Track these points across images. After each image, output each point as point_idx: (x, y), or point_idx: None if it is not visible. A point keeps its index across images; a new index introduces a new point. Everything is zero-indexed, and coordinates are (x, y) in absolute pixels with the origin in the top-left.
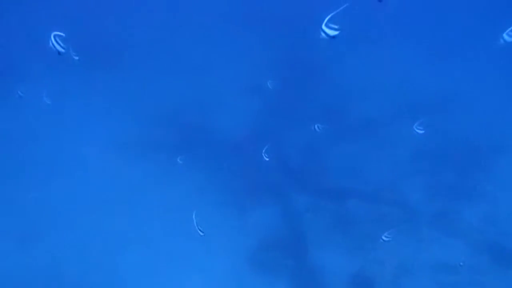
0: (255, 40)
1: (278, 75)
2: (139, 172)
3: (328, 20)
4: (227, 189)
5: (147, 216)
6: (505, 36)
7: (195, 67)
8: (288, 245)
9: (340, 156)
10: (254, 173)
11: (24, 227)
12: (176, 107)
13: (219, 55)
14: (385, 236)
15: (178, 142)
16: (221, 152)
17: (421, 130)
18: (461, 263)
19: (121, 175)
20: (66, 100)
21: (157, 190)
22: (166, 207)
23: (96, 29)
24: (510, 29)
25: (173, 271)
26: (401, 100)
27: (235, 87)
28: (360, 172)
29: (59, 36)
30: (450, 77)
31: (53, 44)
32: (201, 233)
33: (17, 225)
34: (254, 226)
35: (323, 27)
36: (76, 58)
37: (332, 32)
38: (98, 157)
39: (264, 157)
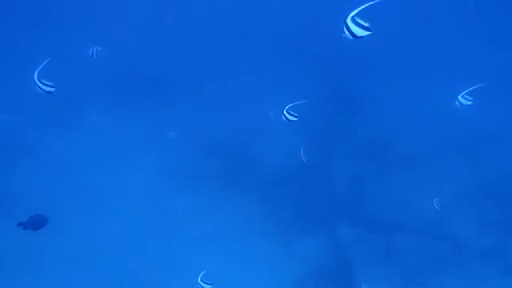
0: (304, 75)
1: (326, 109)
2: (186, 201)
3: (356, 15)
4: (274, 218)
5: (193, 243)
6: (460, 99)
7: (245, 100)
8: (335, 275)
9: (386, 189)
10: (301, 203)
11: (78, 250)
12: (225, 138)
13: (268, 88)
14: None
15: (226, 173)
16: (269, 183)
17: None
18: None
19: (169, 203)
20: (119, 130)
21: (203, 218)
22: (212, 236)
23: (148, 63)
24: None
25: None
26: (446, 135)
27: (285, 121)
28: (407, 205)
29: (41, 78)
30: (496, 114)
31: (39, 87)
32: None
33: (72, 248)
34: (301, 255)
35: (348, 21)
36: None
37: (359, 32)
38: (147, 185)
39: (303, 157)
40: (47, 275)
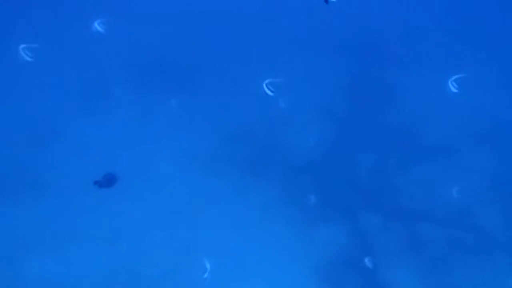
0: (329, 65)
1: (350, 99)
2: (210, 186)
3: None
4: (297, 205)
5: (214, 229)
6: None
7: (269, 88)
8: (357, 262)
9: (410, 178)
10: (324, 191)
11: (106, 230)
12: (251, 126)
13: (294, 78)
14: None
15: (250, 160)
16: (293, 170)
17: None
18: None
19: (193, 187)
20: (149, 117)
21: (226, 204)
22: (234, 221)
23: (176, 52)
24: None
25: (241, 283)
26: (473, 126)
27: (309, 110)
28: (431, 195)
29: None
30: None
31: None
32: None
33: (100, 228)
34: (323, 242)
35: None
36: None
37: None
38: (173, 170)
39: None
40: (74, 253)
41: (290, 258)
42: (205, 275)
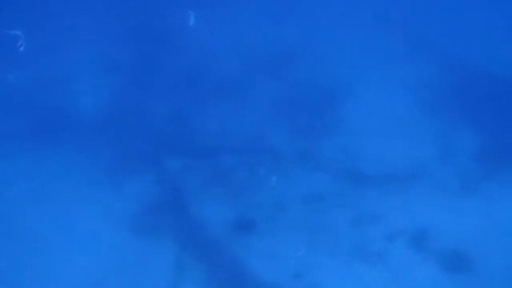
0: (105, 13)
1: (132, 48)
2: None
3: None
4: (97, 165)
5: (18, 204)
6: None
7: (43, 47)
8: (168, 206)
9: (207, 117)
10: (123, 146)
11: None
12: (32, 92)
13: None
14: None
15: (36, 128)
16: (86, 131)
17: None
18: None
19: None
20: None
21: (27, 178)
22: (35, 194)
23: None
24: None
25: (55, 250)
26: (256, 56)
27: (90, 64)
28: (228, 129)
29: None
30: (297, 31)
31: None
32: None
33: None
34: (131, 194)
35: None
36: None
37: None
38: None
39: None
40: None
41: (102, 216)
42: None
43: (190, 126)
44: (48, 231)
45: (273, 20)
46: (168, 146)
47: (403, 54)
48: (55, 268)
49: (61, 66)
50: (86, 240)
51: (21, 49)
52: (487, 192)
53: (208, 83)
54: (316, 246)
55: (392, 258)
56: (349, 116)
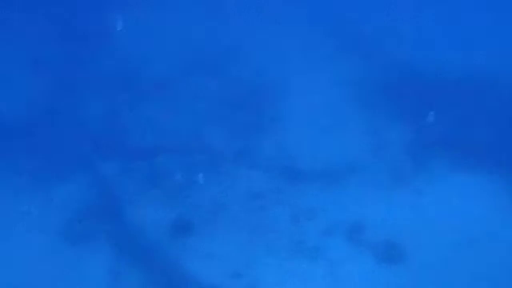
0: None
1: (62, 49)
2: None
3: None
4: (24, 172)
5: None
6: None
7: None
8: (103, 211)
9: (142, 118)
10: (52, 150)
11: None
12: None
13: None
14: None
15: None
16: (11, 135)
17: None
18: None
19: None
20: None
21: None
22: None
23: None
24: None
25: None
26: (188, 57)
27: (14, 65)
28: (163, 130)
29: None
30: (229, 31)
31: None
32: None
33: None
34: (63, 202)
35: None
36: None
37: None
38: None
39: None
40: None
41: (30, 223)
42: None
43: (123, 127)
44: None
45: (205, 21)
46: (102, 148)
47: (336, 52)
48: None
49: None
50: (15, 251)
51: None
52: (417, 185)
53: (141, 84)
54: (256, 244)
55: (330, 252)
56: (284, 114)
